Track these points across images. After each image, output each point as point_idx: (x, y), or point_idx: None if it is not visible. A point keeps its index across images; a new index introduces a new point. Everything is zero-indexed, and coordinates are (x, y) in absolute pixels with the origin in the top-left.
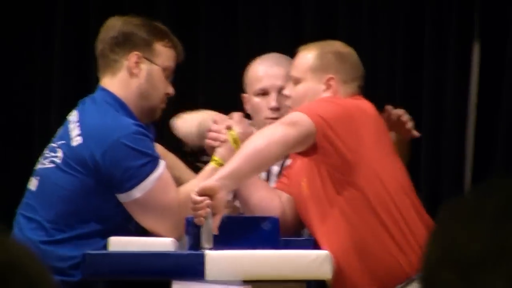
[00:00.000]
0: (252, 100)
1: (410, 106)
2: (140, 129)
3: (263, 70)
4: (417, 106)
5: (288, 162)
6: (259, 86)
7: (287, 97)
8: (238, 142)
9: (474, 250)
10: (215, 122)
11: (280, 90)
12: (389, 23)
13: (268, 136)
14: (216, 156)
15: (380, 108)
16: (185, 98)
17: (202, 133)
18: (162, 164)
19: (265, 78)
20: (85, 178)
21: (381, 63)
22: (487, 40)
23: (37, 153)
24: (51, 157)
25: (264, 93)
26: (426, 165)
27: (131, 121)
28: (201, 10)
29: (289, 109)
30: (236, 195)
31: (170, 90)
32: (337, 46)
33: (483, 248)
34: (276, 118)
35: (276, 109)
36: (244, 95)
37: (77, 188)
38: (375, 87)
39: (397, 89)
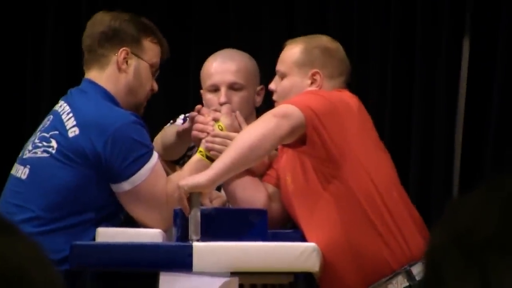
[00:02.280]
0: (205, 96)
1: (400, 102)
2: (137, 119)
3: (214, 66)
4: (407, 101)
5: None
6: (209, 82)
7: (236, 90)
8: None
9: (482, 234)
10: (202, 113)
11: (230, 86)
12: (381, 19)
13: (262, 131)
14: (202, 148)
15: (371, 107)
16: (176, 92)
17: (165, 145)
18: (155, 155)
19: (215, 74)
20: (83, 169)
21: (373, 58)
22: (477, 36)
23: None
24: (44, 147)
25: (215, 89)
26: (416, 161)
27: (127, 111)
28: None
29: (274, 102)
30: (222, 186)
31: (155, 86)
32: (324, 41)
33: (491, 233)
34: None
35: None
36: (201, 91)
37: (74, 178)
38: (366, 84)
39: (388, 85)
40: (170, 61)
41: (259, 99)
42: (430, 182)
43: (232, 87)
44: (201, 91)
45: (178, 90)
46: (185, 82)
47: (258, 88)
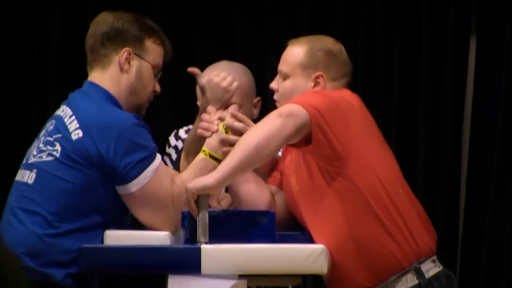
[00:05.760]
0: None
1: (407, 103)
2: (139, 120)
3: None
4: (414, 102)
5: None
6: None
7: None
8: (229, 133)
9: None
10: (207, 112)
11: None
12: (387, 19)
13: (268, 130)
14: (206, 147)
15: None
16: (182, 91)
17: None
18: (158, 157)
19: None
20: (88, 171)
21: (379, 60)
22: (483, 36)
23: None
24: (49, 151)
25: None
26: (423, 159)
27: (129, 113)
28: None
29: (276, 102)
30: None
31: (157, 87)
32: (327, 42)
33: None
34: None
35: None
36: None
37: (80, 180)
38: (373, 82)
39: (394, 87)
40: (176, 61)
41: (256, 111)
42: (437, 182)
43: (227, 107)
44: None
45: (184, 89)
46: (191, 82)
47: (255, 100)
